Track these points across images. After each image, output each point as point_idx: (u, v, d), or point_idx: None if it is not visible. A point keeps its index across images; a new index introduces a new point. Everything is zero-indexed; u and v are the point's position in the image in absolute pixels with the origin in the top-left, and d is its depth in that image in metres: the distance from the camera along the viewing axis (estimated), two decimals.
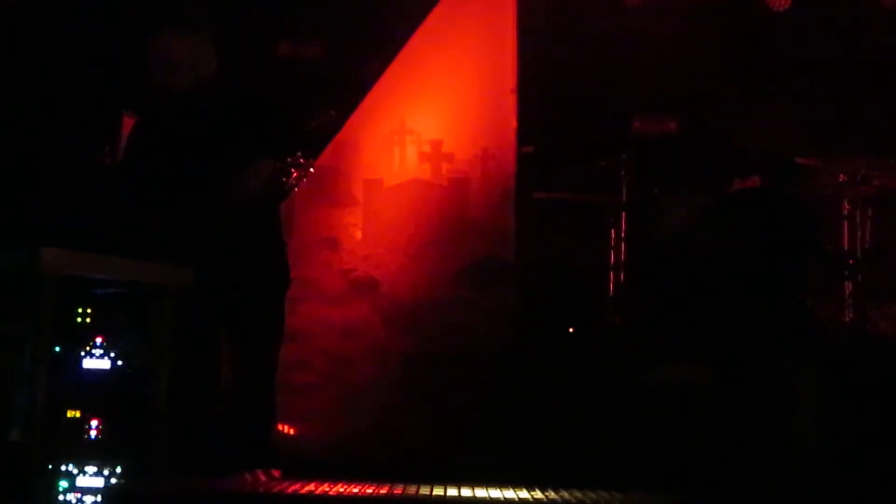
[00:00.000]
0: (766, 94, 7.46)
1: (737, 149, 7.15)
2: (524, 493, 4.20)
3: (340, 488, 4.14)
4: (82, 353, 4.43)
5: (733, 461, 5.68)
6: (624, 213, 7.52)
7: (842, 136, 7.28)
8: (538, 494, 4.20)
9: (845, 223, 7.12)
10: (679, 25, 7.48)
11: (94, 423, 4.39)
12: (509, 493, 4.19)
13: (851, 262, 6.98)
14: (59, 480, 4.24)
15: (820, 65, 7.55)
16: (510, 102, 6.64)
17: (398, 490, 4.17)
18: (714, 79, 7.52)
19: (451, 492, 4.18)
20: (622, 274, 7.39)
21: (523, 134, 6.68)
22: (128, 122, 5.39)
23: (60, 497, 4.24)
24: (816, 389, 5.78)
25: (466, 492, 4.20)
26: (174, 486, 4.21)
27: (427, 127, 6.70)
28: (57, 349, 4.33)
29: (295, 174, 4.87)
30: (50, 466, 4.22)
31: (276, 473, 4.76)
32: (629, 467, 5.47)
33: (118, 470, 4.29)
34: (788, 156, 6.54)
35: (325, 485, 4.22)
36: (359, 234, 6.64)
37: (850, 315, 6.89)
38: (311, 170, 5.02)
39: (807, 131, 7.26)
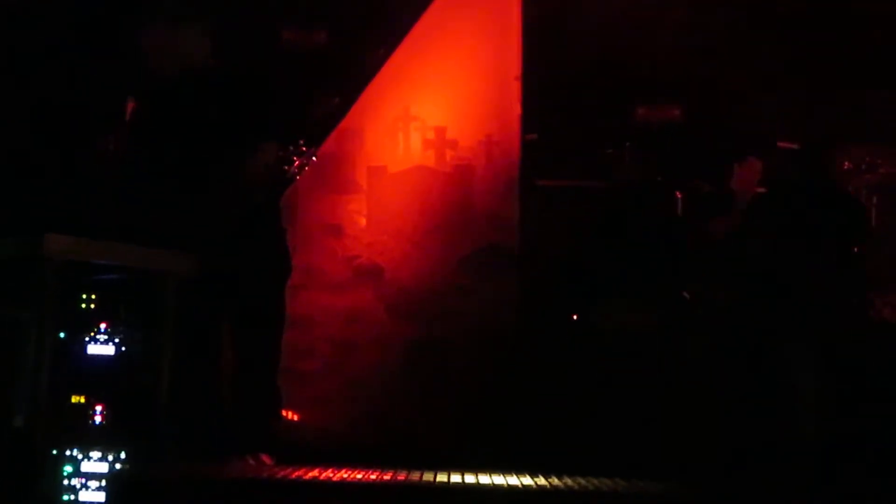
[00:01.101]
0: (770, 81, 7.44)
1: (741, 136, 7.14)
2: (527, 480, 4.21)
3: (343, 474, 4.15)
4: (87, 339, 4.45)
5: (736, 449, 5.69)
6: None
7: (847, 123, 7.26)
8: (541, 481, 4.20)
9: None
10: (684, 12, 7.46)
11: (98, 408, 4.41)
12: (512, 480, 4.20)
13: (856, 249, 6.96)
14: (63, 465, 4.26)
15: (825, 51, 7.53)
16: (514, 89, 6.63)
17: (401, 476, 4.18)
18: (718, 66, 7.50)
19: (454, 478, 4.19)
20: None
21: (527, 121, 6.67)
22: (133, 109, 5.39)
23: (65, 482, 4.25)
24: (819, 378, 5.80)
25: (469, 478, 4.21)
26: (178, 471, 4.22)
27: (431, 114, 6.69)
28: (61, 335, 4.35)
29: (297, 162, 4.87)
30: (54, 452, 4.24)
31: (279, 458, 4.78)
32: (632, 455, 5.48)
33: (122, 455, 4.31)
34: (802, 143, 6.54)
35: (329, 471, 4.23)
36: (362, 221, 6.64)
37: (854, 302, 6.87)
38: (314, 158, 5.02)
39: (812, 118, 7.25)
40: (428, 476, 4.22)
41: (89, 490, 4.27)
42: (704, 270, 6.41)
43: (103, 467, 4.28)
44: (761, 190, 6.53)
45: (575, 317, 6.61)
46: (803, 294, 5.87)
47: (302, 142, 4.95)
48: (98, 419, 4.40)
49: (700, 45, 7.46)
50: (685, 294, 6.79)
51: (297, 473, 4.15)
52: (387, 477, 4.14)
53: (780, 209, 6.13)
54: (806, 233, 5.97)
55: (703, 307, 6.35)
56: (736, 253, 6.27)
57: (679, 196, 7.09)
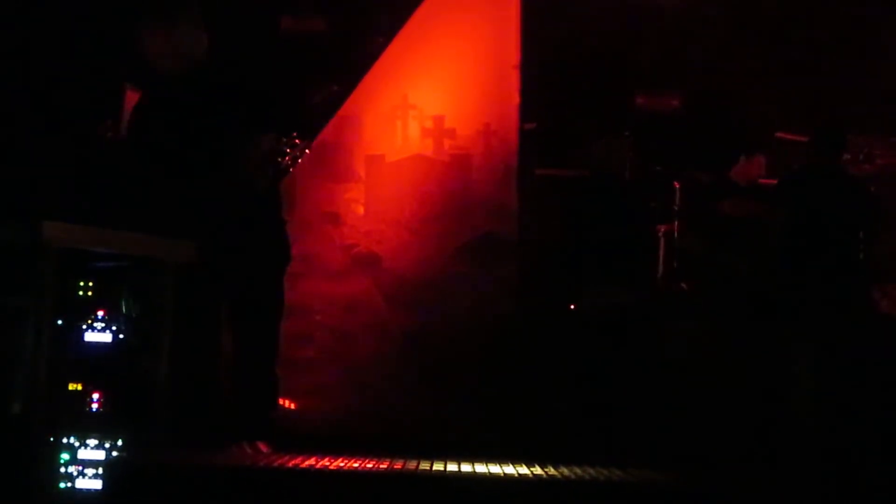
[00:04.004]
0: (769, 70, 7.44)
1: (740, 125, 7.14)
2: (524, 470, 4.21)
3: (341, 463, 4.15)
4: (84, 327, 4.44)
5: (732, 437, 5.70)
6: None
7: (845, 113, 7.26)
8: (538, 471, 4.20)
9: None
10: (682, 1, 7.46)
11: (95, 395, 4.41)
12: (509, 470, 4.20)
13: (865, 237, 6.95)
14: (60, 453, 4.25)
15: (824, 42, 7.53)
16: (513, 78, 6.62)
17: (398, 465, 4.18)
18: (717, 55, 7.50)
19: (451, 467, 4.19)
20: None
21: (526, 110, 6.67)
22: (130, 96, 5.38)
23: (62, 469, 4.25)
24: (815, 367, 5.82)
25: (466, 468, 4.21)
26: (175, 459, 4.22)
27: (429, 103, 6.69)
28: (59, 322, 4.34)
29: (288, 156, 4.84)
30: (51, 439, 4.23)
31: (276, 446, 4.78)
32: (630, 444, 5.49)
33: (119, 443, 4.31)
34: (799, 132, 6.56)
35: (325, 459, 4.23)
36: (360, 210, 6.64)
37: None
38: (308, 151, 4.99)
39: (810, 108, 7.26)
40: (425, 465, 4.22)
41: (86, 477, 4.27)
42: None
43: (100, 455, 4.27)
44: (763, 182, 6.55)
45: (573, 305, 6.62)
46: (816, 284, 5.90)
47: (295, 134, 4.93)
48: (95, 406, 4.40)
49: (699, 35, 7.46)
50: (683, 285, 6.81)
51: (294, 462, 4.15)
52: (384, 466, 4.14)
53: (799, 195, 6.16)
54: (823, 219, 5.99)
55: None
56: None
57: (677, 186, 7.10)
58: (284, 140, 4.83)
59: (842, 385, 5.76)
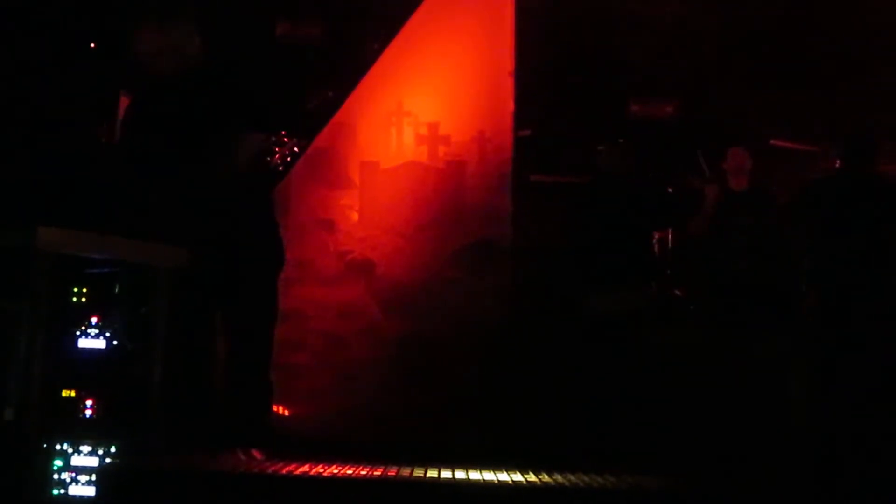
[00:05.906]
0: (763, 77, 7.45)
1: (734, 132, 7.15)
2: (518, 476, 4.21)
3: (334, 469, 4.15)
4: (77, 333, 4.44)
5: (727, 442, 5.71)
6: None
7: (839, 120, 7.27)
8: (532, 477, 4.20)
9: None
10: (677, 9, 7.47)
11: (88, 402, 4.40)
12: (503, 476, 4.20)
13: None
14: (53, 459, 4.24)
15: (818, 49, 7.54)
16: (508, 85, 6.63)
17: (391, 472, 4.18)
18: (712, 62, 7.51)
19: (445, 474, 4.19)
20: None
21: (520, 117, 6.68)
22: (125, 101, 5.38)
23: (55, 476, 4.24)
24: (810, 372, 5.82)
25: (460, 474, 4.21)
26: (168, 465, 4.22)
27: (424, 109, 6.69)
28: (52, 328, 4.33)
29: (278, 154, 4.84)
30: (45, 445, 4.22)
31: (270, 453, 4.78)
32: (625, 450, 5.49)
33: (113, 449, 4.30)
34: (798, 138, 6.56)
35: (319, 466, 4.23)
36: (355, 216, 6.64)
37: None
38: (297, 149, 5.00)
39: (804, 115, 7.27)
40: (419, 471, 4.22)
41: (79, 484, 4.26)
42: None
43: (93, 461, 4.26)
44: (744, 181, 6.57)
45: (567, 311, 6.63)
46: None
47: (295, 134, 4.93)
48: (88, 413, 4.39)
49: (693, 42, 7.47)
50: (677, 291, 6.82)
51: (287, 468, 4.15)
52: (378, 472, 4.14)
53: (822, 201, 6.16)
54: (849, 223, 6.00)
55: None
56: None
57: (670, 191, 7.11)
58: (273, 139, 4.83)
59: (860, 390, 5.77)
